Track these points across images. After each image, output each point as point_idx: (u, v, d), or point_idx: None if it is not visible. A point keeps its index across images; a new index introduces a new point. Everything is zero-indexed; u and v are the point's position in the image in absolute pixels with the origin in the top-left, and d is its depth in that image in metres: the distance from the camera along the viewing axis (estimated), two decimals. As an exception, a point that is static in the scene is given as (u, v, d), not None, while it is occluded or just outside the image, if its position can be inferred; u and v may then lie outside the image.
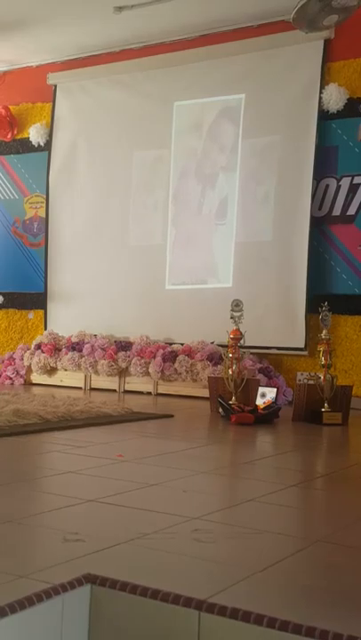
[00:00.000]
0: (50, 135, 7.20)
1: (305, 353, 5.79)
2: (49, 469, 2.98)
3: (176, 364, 6.01)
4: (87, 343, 6.50)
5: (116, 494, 2.36)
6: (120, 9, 5.97)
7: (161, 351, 6.11)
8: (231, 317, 4.85)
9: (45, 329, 7.05)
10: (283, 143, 6.02)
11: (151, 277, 6.54)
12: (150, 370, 6.12)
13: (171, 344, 6.22)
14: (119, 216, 6.80)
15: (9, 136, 7.43)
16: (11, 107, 7.43)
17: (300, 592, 1.53)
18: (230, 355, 4.86)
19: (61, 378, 6.65)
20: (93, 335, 6.56)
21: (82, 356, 6.46)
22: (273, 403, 4.62)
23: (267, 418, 4.46)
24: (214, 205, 6.31)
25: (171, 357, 6.05)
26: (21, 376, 6.83)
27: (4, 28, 6.42)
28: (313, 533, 2.05)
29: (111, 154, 6.86)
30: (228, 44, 6.25)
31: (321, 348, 4.70)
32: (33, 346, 6.82)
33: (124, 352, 6.29)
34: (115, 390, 6.33)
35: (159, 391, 6.14)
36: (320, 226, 5.86)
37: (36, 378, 6.79)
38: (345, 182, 5.77)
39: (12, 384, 6.78)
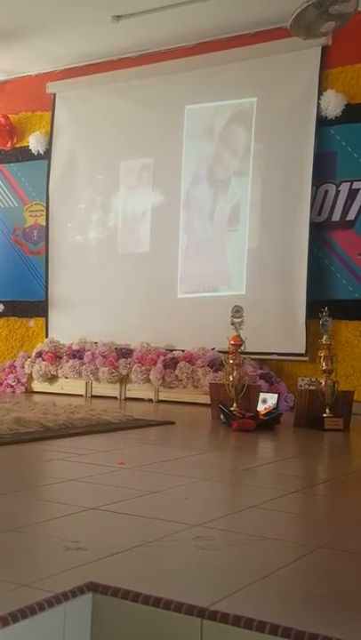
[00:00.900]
0: (49, 143, 7.21)
1: (306, 358, 5.79)
2: (50, 477, 2.98)
3: (177, 371, 6.01)
4: (88, 351, 6.49)
5: (117, 502, 2.36)
6: (118, 18, 5.98)
7: (162, 358, 6.11)
8: (232, 323, 4.85)
9: (46, 337, 7.05)
10: (282, 149, 6.03)
11: (151, 284, 6.54)
12: (151, 377, 6.11)
13: (171, 350, 6.21)
14: (119, 223, 6.81)
15: (9, 145, 7.45)
16: (10, 115, 7.45)
17: (302, 599, 1.53)
18: (231, 361, 4.86)
19: (62, 385, 6.64)
20: (94, 342, 6.55)
21: (83, 364, 6.46)
22: (274, 409, 4.62)
23: (268, 424, 4.46)
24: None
25: (172, 364, 6.05)
26: (22, 384, 6.83)
27: (3, 37, 6.44)
28: (315, 540, 2.05)
29: (110, 161, 6.88)
30: (226, 51, 6.27)
31: (322, 354, 4.70)
32: (34, 354, 6.82)
33: (124, 359, 6.29)
34: (116, 397, 6.33)
35: (160, 398, 6.14)
36: (319, 231, 5.87)
37: (37, 386, 6.79)
38: (344, 188, 5.78)
39: (14, 392, 6.77)
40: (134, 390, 6.29)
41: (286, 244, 5.95)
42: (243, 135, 6.23)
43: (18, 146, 7.45)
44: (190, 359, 6.00)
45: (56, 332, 7.00)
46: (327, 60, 5.88)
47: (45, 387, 6.73)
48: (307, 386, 4.87)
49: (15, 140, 7.45)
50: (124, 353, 6.34)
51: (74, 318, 6.92)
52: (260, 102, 6.15)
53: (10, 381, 6.86)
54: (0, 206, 7.56)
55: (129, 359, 6.28)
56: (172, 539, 1.93)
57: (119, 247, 6.80)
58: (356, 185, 5.73)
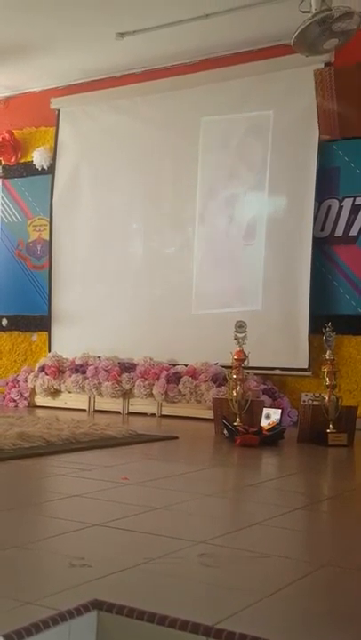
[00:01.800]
0: (53, 159, 7.24)
1: (309, 373, 5.78)
2: (54, 493, 2.97)
3: (180, 386, 6.00)
4: (91, 365, 6.49)
5: (121, 518, 2.35)
6: (122, 35, 6.02)
7: (165, 372, 6.10)
8: (235, 338, 4.84)
9: (49, 351, 7.05)
10: (285, 165, 6.05)
11: (155, 299, 6.55)
12: (154, 391, 6.10)
13: (174, 365, 6.20)
14: (123, 238, 6.82)
15: (13, 160, 7.48)
16: (15, 131, 7.49)
17: (307, 617, 1.52)
18: (234, 376, 4.85)
19: (65, 400, 6.63)
20: (97, 357, 6.55)
21: (86, 378, 6.45)
22: (278, 424, 4.61)
23: (271, 439, 4.45)
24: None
25: (175, 379, 6.04)
26: (25, 398, 6.82)
27: (8, 53, 6.48)
28: (320, 557, 2.04)
29: (113, 176, 6.90)
30: (229, 68, 6.30)
31: (325, 369, 4.68)
32: (37, 368, 6.81)
33: (127, 374, 6.28)
34: (119, 412, 6.31)
35: (163, 413, 6.13)
36: (323, 246, 5.88)
37: (39, 400, 6.78)
38: (347, 203, 5.79)
39: (17, 406, 6.76)
40: (137, 405, 6.28)
41: (290, 259, 5.95)
42: (246, 151, 6.25)
43: (22, 161, 7.48)
44: (193, 374, 5.99)
45: (59, 346, 7.00)
46: (330, 77, 5.91)
47: (48, 401, 6.72)
48: (310, 401, 4.85)
49: (19, 156, 7.48)
50: (127, 367, 6.33)
51: (77, 333, 6.91)
52: (263, 119, 6.17)
53: (13, 396, 6.85)
54: (4, 221, 7.59)
55: (132, 374, 6.27)
56: (176, 556, 1.92)
57: (122, 262, 6.80)
58: (358, 200, 5.74)
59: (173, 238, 6.58)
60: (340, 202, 5.83)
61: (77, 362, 6.60)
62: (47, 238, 7.27)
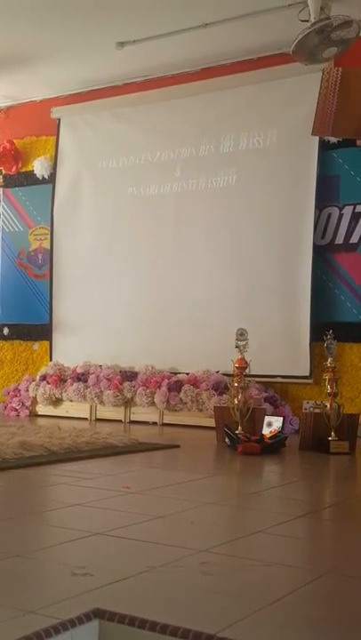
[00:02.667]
0: (54, 168, 7.25)
1: (310, 381, 5.77)
2: (56, 502, 2.97)
3: (181, 394, 5.99)
4: (92, 374, 6.48)
5: (123, 527, 2.35)
6: (122, 44, 6.03)
7: (166, 381, 6.09)
8: (236, 346, 4.84)
9: (50, 360, 7.05)
10: (285, 173, 6.06)
11: (155, 307, 6.54)
12: (156, 400, 6.10)
13: (176, 373, 6.20)
14: (123, 247, 6.82)
15: (14, 169, 7.49)
16: (15, 140, 7.50)
17: (310, 626, 1.52)
18: (236, 384, 4.84)
19: (67, 409, 6.63)
20: (98, 366, 6.55)
21: (87, 387, 6.45)
22: (279, 432, 4.61)
23: (273, 447, 4.45)
24: (218, 231, 6.34)
25: (176, 387, 6.04)
26: (27, 407, 6.81)
27: (8, 63, 6.49)
28: (322, 565, 2.04)
29: (114, 186, 6.91)
30: (229, 77, 6.31)
31: (327, 376, 4.68)
32: (38, 377, 6.81)
33: (129, 382, 6.28)
34: (120, 421, 6.31)
35: (165, 421, 6.11)
36: (323, 254, 5.88)
37: (41, 409, 6.77)
38: (347, 211, 5.80)
39: (18, 415, 6.76)
40: (139, 413, 6.27)
41: (290, 266, 5.95)
42: (246, 159, 6.26)
43: (23, 170, 7.49)
44: (195, 382, 5.99)
45: (60, 355, 6.99)
46: (329, 85, 5.92)
47: (50, 410, 6.71)
48: (312, 409, 4.85)
49: (20, 165, 7.50)
50: (129, 376, 6.33)
51: (78, 341, 6.91)
52: (263, 127, 6.19)
53: (14, 405, 6.84)
54: (5, 230, 7.60)
55: (133, 382, 6.26)
56: (178, 564, 1.92)
57: (123, 270, 6.80)
58: (359, 208, 5.75)
59: (174, 246, 6.57)
60: (341, 209, 5.84)
61: (79, 370, 6.60)
62: (48, 247, 7.28)
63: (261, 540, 2.28)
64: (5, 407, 6.92)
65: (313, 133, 5.40)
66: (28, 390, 6.81)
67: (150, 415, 6.20)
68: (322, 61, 5.25)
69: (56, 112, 7.26)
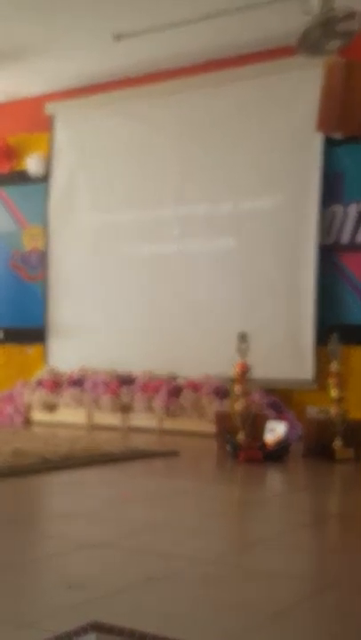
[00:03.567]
0: (48, 165, 7.16)
1: (315, 386, 5.69)
2: (51, 511, 2.99)
3: (181, 399, 5.93)
4: (89, 379, 6.42)
5: (121, 537, 2.34)
6: (119, 37, 5.95)
7: (165, 386, 6.03)
8: (238, 350, 4.77)
9: (45, 364, 6.96)
10: (289, 170, 5.99)
11: (155, 309, 6.47)
12: (155, 405, 6.03)
13: (175, 378, 6.13)
14: (120, 248, 6.75)
15: (6, 167, 7.39)
16: (8, 137, 7.41)
17: (312, 636, 1.51)
18: (237, 389, 4.80)
19: (63, 414, 6.54)
20: (95, 370, 6.48)
21: (84, 392, 6.38)
22: (283, 439, 4.54)
23: (276, 454, 4.41)
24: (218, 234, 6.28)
25: (176, 392, 5.97)
26: (21, 413, 6.72)
27: (0, 57, 6.40)
28: (326, 576, 2.03)
29: (112, 182, 6.83)
30: (230, 70, 6.26)
31: (332, 381, 4.65)
32: (33, 382, 6.73)
33: (127, 387, 6.21)
34: (118, 427, 6.22)
35: (164, 427, 6.04)
36: (328, 254, 5.81)
37: (36, 415, 6.69)
38: (352, 209, 5.75)
39: (12, 422, 6.67)
40: (137, 419, 6.19)
41: (294, 267, 5.90)
42: (247, 156, 6.18)
43: (16, 168, 7.40)
44: (195, 387, 5.91)
45: (55, 359, 6.92)
46: (333, 79, 5.84)
47: (45, 416, 6.63)
48: (316, 415, 4.79)
49: (13, 163, 7.40)
50: (127, 381, 6.26)
51: (74, 345, 6.85)
52: (266, 122, 6.13)
53: (8, 411, 6.74)
54: (-2, 230, 7.51)
55: (131, 387, 6.21)
56: (178, 575, 1.91)
57: (121, 272, 6.73)
58: (364, 206, 5.71)
59: (174, 247, 6.50)
60: (346, 207, 5.77)
61: (75, 375, 6.54)
62: (43, 248, 7.20)
63: (264, 550, 2.29)
64: (-1, 413, 6.82)
65: (317, 130, 5.30)
66: (22, 395, 6.71)
67: (149, 421, 6.12)
68: (325, 54, 5.19)
69: (50, 107, 7.17)
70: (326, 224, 5.81)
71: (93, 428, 6.30)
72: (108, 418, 6.29)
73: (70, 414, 6.48)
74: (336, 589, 1.86)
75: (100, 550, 2.18)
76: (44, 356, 7.06)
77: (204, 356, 6.01)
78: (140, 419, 6.16)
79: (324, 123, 5.18)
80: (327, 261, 5.80)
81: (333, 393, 4.59)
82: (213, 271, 6.25)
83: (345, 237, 5.75)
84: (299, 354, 5.78)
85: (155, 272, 6.55)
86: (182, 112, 6.50)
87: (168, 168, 6.53)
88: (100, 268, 6.83)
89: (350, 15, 5.02)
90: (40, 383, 6.64)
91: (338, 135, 5.68)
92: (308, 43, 5.13)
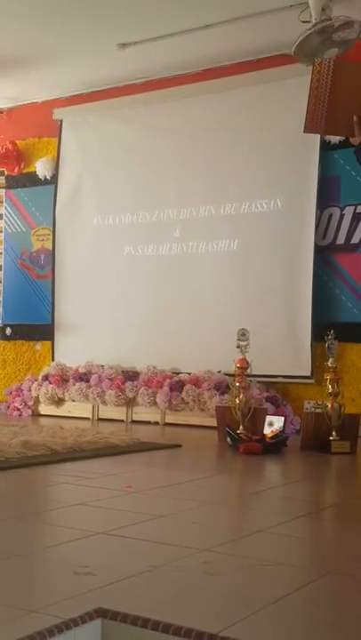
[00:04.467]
0: (56, 169, 7.26)
1: (312, 381, 5.78)
2: (58, 501, 2.98)
3: (183, 394, 6.00)
4: (94, 374, 6.50)
5: (125, 526, 2.36)
6: (124, 46, 6.04)
7: (168, 381, 6.11)
8: (238, 346, 4.84)
9: (53, 360, 7.06)
10: (286, 174, 6.06)
11: (158, 307, 6.55)
12: (158, 400, 6.11)
13: (177, 374, 6.21)
14: (125, 247, 6.83)
15: (16, 170, 7.50)
16: (17, 141, 7.52)
17: (312, 625, 1.52)
18: (237, 384, 4.85)
19: (69, 409, 6.64)
20: (100, 366, 6.56)
21: (89, 387, 6.47)
22: (281, 432, 4.62)
23: (275, 447, 4.45)
24: (222, 234, 6.36)
25: (178, 387, 6.05)
26: (29, 407, 6.83)
27: (10, 65, 6.49)
28: (324, 565, 2.04)
29: (116, 186, 6.92)
30: (230, 78, 6.31)
31: (328, 377, 4.68)
32: (40, 377, 6.82)
33: (131, 382, 6.29)
34: (122, 420, 6.32)
35: (167, 421, 6.12)
36: (324, 254, 5.89)
37: (43, 409, 6.79)
38: (348, 211, 5.80)
39: (20, 415, 6.78)
40: (141, 413, 6.28)
41: (291, 267, 5.96)
42: (247, 160, 6.26)
43: (25, 171, 7.50)
44: (196, 382, 6.00)
45: (62, 355, 7.00)
46: (330, 86, 5.91)
47: (52, 410, 6.72)
48: (313, 409, 4.86)
49: (22, 166, 7.51)
50: (131, 376, 6.34)
51: (80, 341, 6.92)
52: (263, 128, 6.19)
53: (17, 404, 6.86)
54: (7, 231, 7.61)
55: (135, 382, 6.28)
56: (180, 563, 1.92)
57: (125, 270, 6.81)
58: (359, 209, 5.75)
59: (176, 247, 6.57)
60: (342, 210, 5.84)
61: (81, 370, 6.61)
62: (50, 248, 7.29)
63: (263, 539, 2.29)
64: (8, 407, 6.94)
65: (305, 131, 5.35)
66: (30, 390, 6.82)
67: (152, 415, 6.21)
68: (323, 62, 5.24)
69: (58, 113, 7.26)
70: (323, 226, 5.89)
71: (99, 421, 6.37)
72: (113, 411, 6.38)
73: (76, 408, 6.57)
74: (333, 578, 1.86)
75: (104, 539, 2.18)
76: (51, 352, 7.17)
77: (205, 352, 6.08)
78: (144, 412, 6.26)
79: (311, 124, 5.24)
80: (324, 262, 5.88)
81: (330, 388, 4.63)
82: (214, 271, 6.32)
83: (341, 239, 5.83)
84: (297, 350, 5.84)
85: (158, 272, 6.61)
86: (184, 118, 6.57)
87: (170, 172, 6.61)
88: (105, 267, 6.91)
89: (348, 24, 5.05)
90: (47, 378, 6.72)
91: (334, 138, 5.76)
92: (307, 51, 5.18)
